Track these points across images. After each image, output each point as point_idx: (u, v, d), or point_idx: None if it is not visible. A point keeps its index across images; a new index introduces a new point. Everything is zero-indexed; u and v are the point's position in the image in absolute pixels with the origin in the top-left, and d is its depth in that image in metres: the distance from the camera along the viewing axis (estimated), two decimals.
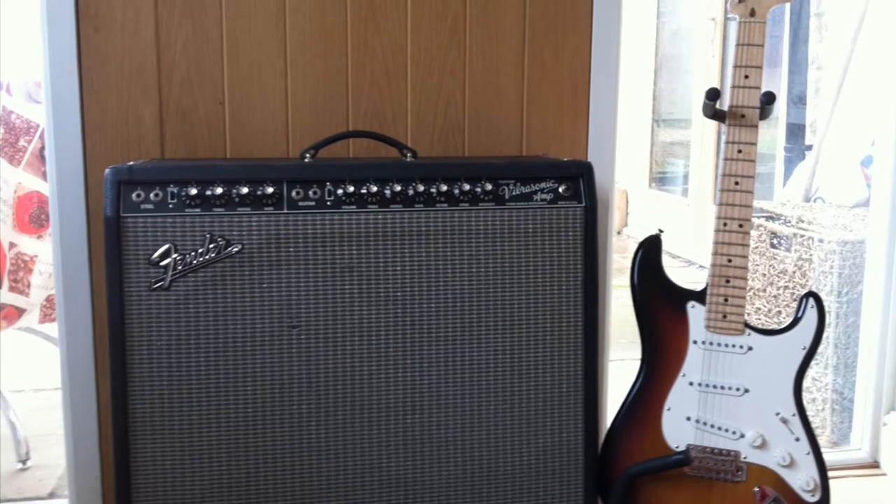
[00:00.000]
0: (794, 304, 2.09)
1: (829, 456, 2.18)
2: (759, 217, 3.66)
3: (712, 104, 2.01)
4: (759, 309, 3.64)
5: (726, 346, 2.05)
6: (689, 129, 7.73)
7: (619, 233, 8.51)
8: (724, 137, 2.04)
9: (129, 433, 1.87)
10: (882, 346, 2.90)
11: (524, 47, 2.36)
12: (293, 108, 2.26)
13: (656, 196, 8.43)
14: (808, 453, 2.02)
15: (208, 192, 1.85)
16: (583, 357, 2.02)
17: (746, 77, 2.00)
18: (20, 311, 3.01)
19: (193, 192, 1.84)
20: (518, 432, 2.01)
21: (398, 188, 1.91)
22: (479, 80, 2.34)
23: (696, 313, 2.07)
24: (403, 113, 2.32)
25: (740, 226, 2.02)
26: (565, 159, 2.08)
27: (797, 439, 2.02)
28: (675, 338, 2.09)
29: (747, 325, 2.04)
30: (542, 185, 1.98)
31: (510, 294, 1.97)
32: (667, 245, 2.20)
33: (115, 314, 1.84)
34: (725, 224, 2.02)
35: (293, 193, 1.88)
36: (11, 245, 2.92)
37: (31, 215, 2.96)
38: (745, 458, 2.05)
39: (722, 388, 2.05)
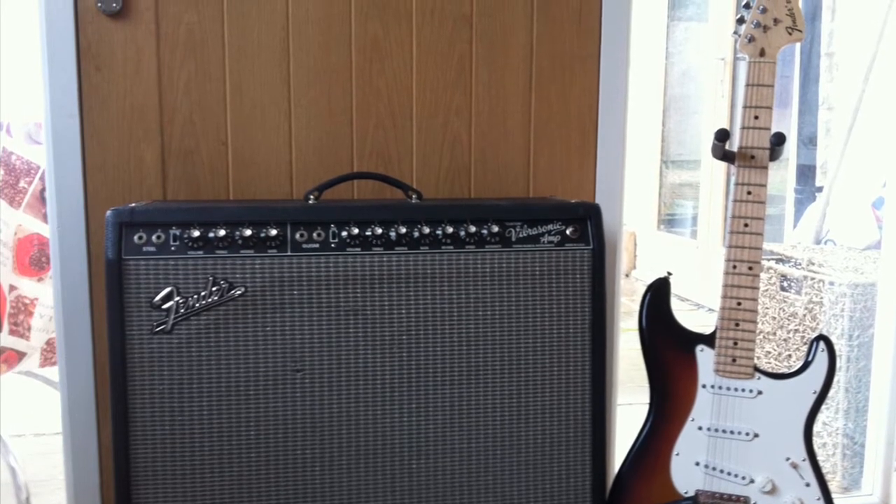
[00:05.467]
0: (805, 348, 2.07)
1: (840, 501, 2.16)
2: (768, 259, 3.65)
3: (721, 145, 2.00)
4: (769, 353, 3.61)
5: (736, 390, 2.03)
6: (698, 170, 7.73)
7: (627, 275, 8.50)
8: (733, 179, 2.03)
9: (131, 478, 1.86)
10: (893, 390, 2.88)
11: (531, 87, 2.35)
12: (297, 149, 2.25)
13: (665, 238, 8.42)
14: (818, 499, 2.00)
15: (211, 235, 1.84)
16: (590, 401, 2.00)
17: (756, 118, 1.99)
18: (20, 355, 3.00)
19: (196, 234, 1.83)
20: (525, 477, 1.99)
21: (403, 230, 1.90)
22: (485, 121, 2.33)
23: (704, 357, 2.05)
24: (409, 154, 2.31)
25: (750, 268, 2.00)
26: (573, 201, 2.07)
27: (807, 485, 2.00)
28: (683, 382, 2.07)
29: (757, 369, 2.02)
30: (549, 227, 1.97)
31: (517, 337, 1.96)
32: (675, 288, 2.18)
33: (116, 358, 1.83)
34: (735, 266, 2.01)
35: (297, 235, 1.87)
36: (12, 288, 2.91)
37: (32, 258, 2.95)
38: (754, 503, 2.02)
39: (731, 432, 2.03)
